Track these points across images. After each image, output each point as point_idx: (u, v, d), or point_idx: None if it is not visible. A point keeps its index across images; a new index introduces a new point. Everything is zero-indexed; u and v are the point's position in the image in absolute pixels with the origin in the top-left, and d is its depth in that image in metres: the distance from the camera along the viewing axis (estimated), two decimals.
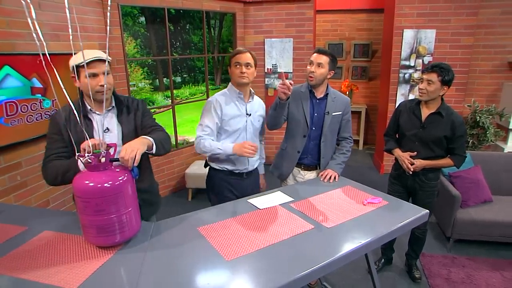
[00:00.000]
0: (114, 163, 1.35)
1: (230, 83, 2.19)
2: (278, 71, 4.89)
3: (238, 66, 2.06)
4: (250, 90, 2.21)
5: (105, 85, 1.50)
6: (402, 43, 4.31)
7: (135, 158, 1.34)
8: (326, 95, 2.25)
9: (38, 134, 2.54)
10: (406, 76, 4.40)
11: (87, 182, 1.27)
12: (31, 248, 1.36)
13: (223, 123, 2.11)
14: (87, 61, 1.48)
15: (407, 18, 4.24)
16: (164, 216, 1.68)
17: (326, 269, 1.31)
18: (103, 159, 1.30)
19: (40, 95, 2.49)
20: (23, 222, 1.59)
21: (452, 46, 4.23)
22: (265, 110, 2.34)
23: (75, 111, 1.37)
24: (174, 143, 4.45)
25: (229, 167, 2.18)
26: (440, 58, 4.27)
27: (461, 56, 4.24)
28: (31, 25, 1.11)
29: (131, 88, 3.93)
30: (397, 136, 2.52)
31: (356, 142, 5.90)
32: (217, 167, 2.20)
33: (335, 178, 2.15)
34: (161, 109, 4.62)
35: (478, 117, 3.98)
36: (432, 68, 2.14)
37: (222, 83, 5.70)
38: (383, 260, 2.80)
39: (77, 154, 1.31)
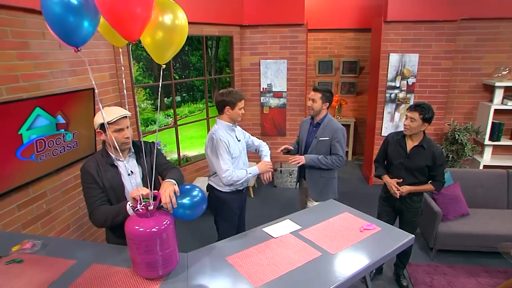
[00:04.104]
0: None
1: (219, 119, 2.56)
2: (273, 90, 5.20)
3: (242, 109, 2.52)
4: None
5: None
6: (388, 65, 4.68)
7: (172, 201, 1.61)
8: (320, 123, 2.82)
9: (61, 165, 2.76)
10: (392, 96, 4.78)
11: (137, 227, 1.53)
12: (86, 281, 1.60)
13: (230, 154, 2.52)
14: (115, 119, 1.76)
15: (392, 43, 4.61)
16: None
17: None
18: (150, 207, 1.56)
19: (63, 130, 2.71)
20: (70, 255, 1.82)
21: (433, 69, 4.63)
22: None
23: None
24: (177, 161, 4.69)
25: (237, 186, 2.60)
26: (422, 80, 4.67)
27: (442, 78, 4.65)
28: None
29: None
30: (385, 162, 2.85)
31: (346, 153, 6.26)
32: (227, 190, 2.56)
33: (298, 163, 2.73)
34: (163, 128, 4.86)
35: (457, 135, 4.38)
36: (414, 107, 2.48)
37: None
38: (374, 270, 3.13)
39: (129, 204, 1.57)
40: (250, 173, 2.49)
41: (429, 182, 2.66)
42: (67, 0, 1.20)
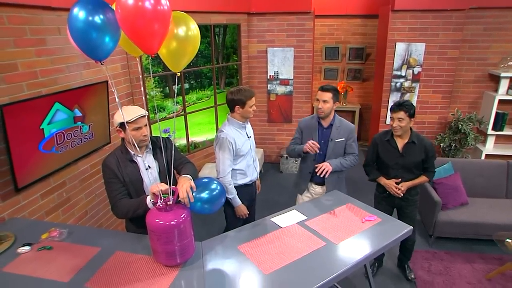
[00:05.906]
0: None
1: (231, 117, 2.61)
2: (280, 77, 5.26)
3: (253, 106, 2.56)
4: None
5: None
6: (394, 54, 4.70)
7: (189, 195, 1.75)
8: (332, 124, 2.69)
9: (78, 156, 2.91)
10: (398, 84, 4.83)
11: (157, 220, 1.68)
12: (112, 267, 1.77)
13: (237, 151, 2.60)
14: (134, 119, 1.88)
15: (399, 32, 4.62)
16: None
17: (339, 278, 1.76)
18: (170, 203, 1.70)
19: (80, 122, 2.84)
20: (94, 242, 1.99)
21: (439, 58, 4.64)
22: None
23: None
24: (186, 148, 4.83)
25: (246, 181, 2.71)
26: (428, 69, 4.70)
27: (448, 67, 4.67)
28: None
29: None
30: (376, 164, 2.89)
31: None
32: (237, 184, 2.68)
33: (327, 172, 2.53)
34: (172, 116, 4.96)
35: (460, 125, 4.45)
36: (398, 107, 2.53)
37: (226, 87, 6.07)
38: (376, 264, 3.19)
39: (149, 199, 1.71)
40: (232, 197, 2.59)
41: (422, 174, 2.74)
42: (92, 19, 1.30)
